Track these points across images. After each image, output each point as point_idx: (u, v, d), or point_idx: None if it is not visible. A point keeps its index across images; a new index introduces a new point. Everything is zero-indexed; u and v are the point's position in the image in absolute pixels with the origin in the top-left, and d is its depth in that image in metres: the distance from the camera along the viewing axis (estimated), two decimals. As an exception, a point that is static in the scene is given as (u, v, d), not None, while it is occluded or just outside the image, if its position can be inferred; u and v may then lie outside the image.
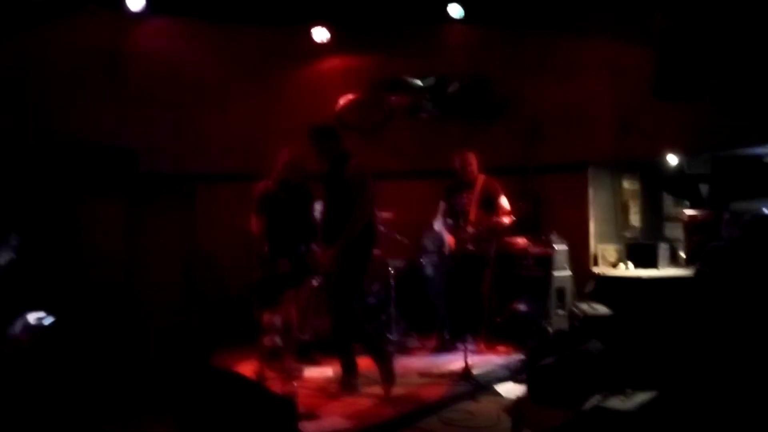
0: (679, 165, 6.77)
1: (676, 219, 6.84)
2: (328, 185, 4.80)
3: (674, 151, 6.35)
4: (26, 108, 5.91)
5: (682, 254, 6.28)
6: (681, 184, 7.08)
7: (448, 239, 5.85)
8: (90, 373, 4.17)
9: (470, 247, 5.67)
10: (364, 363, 5.04)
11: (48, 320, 4.30)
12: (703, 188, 7.02)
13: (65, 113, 6.10)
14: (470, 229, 5.68)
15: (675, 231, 6.85)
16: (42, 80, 6.02)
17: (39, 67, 6.00)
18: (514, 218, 5.67)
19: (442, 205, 6.01)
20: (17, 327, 4.19)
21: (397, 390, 4.62)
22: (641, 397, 3.75)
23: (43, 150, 5.81)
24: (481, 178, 5.87)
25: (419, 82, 6.81)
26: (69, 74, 6.16)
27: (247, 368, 4.99)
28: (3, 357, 4.01)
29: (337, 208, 4.67)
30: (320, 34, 6.93)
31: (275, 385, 4.60)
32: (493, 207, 5.79)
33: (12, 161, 5.59)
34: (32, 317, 4.25)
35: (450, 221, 5.85)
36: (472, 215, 5.73)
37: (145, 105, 6.56)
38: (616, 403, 3.71)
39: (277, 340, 5.23)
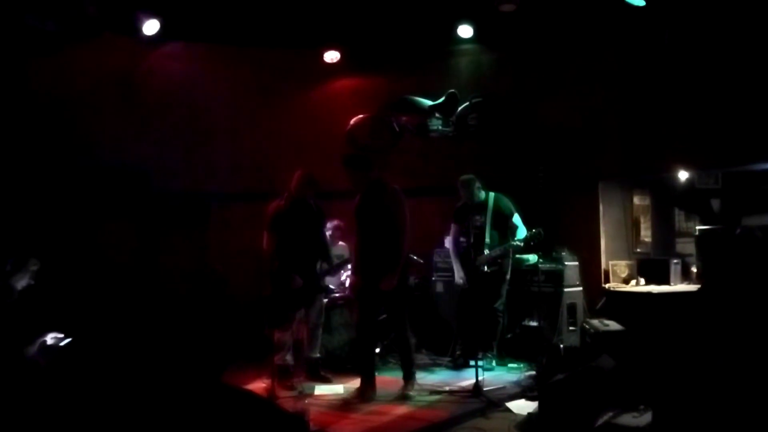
0: (690, 180, 6.77)
1: (688, 234, 6.81)
2: (364, 212, 4.93)
3: (685, 167, 6.35)
4: (44, 131, 6.03)
5: (694, 269, 6.25)
6: (692, 200, 7.06)
7: (458, 275, 5.90)
8: (106, 391, 4.20)
9: (486, 269, 5.66)
10: (380, 380, 5.07)
11: (65, 341, 4.36)
12: (715, 203, 7.00)
13: (81, 135, 6.22)
14: (486, 252, 5.68)
15: (687, 246, 6.82)
16: (59, 104, 6.14)
17: (57, 92, 6.13)
18: (536, 241, 5.58)
19: (453, 228, 6.02)
20: (35, 348, 4.26)
21: (409, 407, 4.64)
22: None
23: (60, 171, 5.93)
24: (491, 198, 5.87)
25: (429, 102, 6.87)
26: (85, 98, 6.29)
27: (258, 386, 5.01)
28: (21, 378, 4.05)
29: (375, 234, 4.83)
30: (331, 56, 7.05)
31: (287, 402, 4.63)
32: (506, 226, 5.79)
33: (31, 183, 5.72)
34: (49, 338, 4.32)
35: (463, 241, 5.85)
36: (488, 237, 5.73)
37: (159, 126, 6.68)
38: (628, 419, 3.70)
39: (288, 358, 5.26)
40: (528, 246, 5.72)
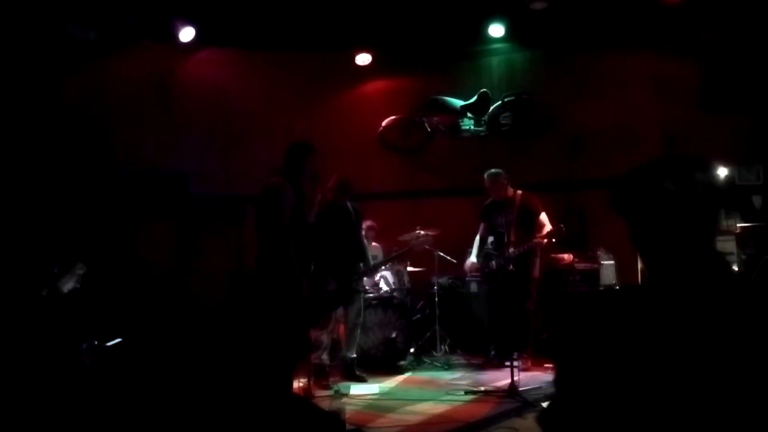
0: (730, 176, 6.61)
1: (728, 232, 6.66)
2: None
3: (724, 163, 6.22)
4: (84, 138, 6.22)
5: (735, 268, 6.11)
6: (732, 196, 6.90)
7: (467, 264, 5.98)
8: (146, 390, 4.32)
9: (511, 267, 5.63)
10: (415, 380, 5.08)
11: (111, 342, 4.50)
12: (756, 200, 6.83)
13: (121, 141, 6.40)
14: (511, 250, 5.67)
15: (727, 244, 6.66)
16: (99, 111, 6.34)
17: (96, 100, 6.33)
18: (556, 237, 5.55)
19: (481, 226, 6.02)
20: (82, 348, 4.39)
21: (444, 407, 4.64)
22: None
23: (101, 177, 6.11)
24: (518, 196, 5.82)
25: (461, 102, 6.87)
26: (125, 104, 6.48)
27: (295, 385, 5.08)
28: (67, 377, 4.19)
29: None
30: (362, 59, 7.10)
31: (323, 401, 4.69)
32: (532, 224, 5.76)
33: (75, 190, 5.90)
34: (96, 338, 4.46)
35: (491, 239, 5.84)
36: (512, 235, 5.70)
37: (196, 130, 6.83)
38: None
39: (324, 357, 5.33)
40: (558, 244, 5.67)
